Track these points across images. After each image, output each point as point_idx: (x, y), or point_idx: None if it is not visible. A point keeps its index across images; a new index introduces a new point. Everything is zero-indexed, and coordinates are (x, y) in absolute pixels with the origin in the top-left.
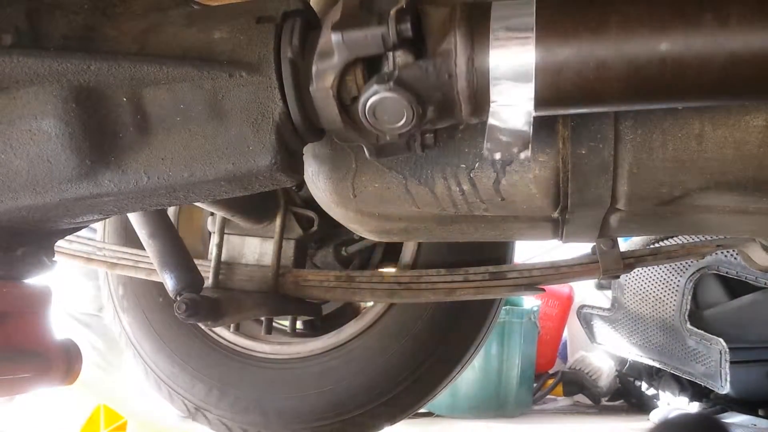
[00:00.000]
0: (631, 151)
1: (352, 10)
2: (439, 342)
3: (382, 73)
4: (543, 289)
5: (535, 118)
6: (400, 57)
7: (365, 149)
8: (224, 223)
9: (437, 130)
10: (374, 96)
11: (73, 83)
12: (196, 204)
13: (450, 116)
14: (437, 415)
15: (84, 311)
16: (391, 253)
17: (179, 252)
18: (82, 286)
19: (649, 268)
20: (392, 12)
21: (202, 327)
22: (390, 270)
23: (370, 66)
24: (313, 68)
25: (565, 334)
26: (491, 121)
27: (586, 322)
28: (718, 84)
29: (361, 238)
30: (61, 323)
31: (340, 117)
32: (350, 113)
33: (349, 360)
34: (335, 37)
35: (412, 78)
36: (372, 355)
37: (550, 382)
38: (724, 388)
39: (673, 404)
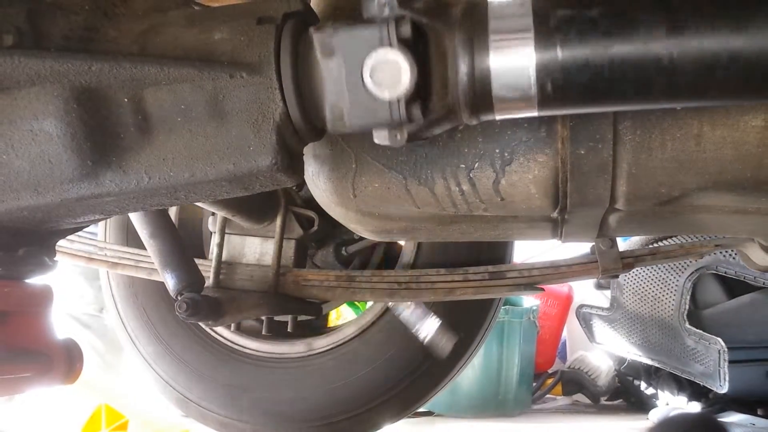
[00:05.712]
0: (630, 151)
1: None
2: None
3: None
4: (542, 289)
5: (534, 118)
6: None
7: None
8: (225, 222)
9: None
10: None
11: (75, 84)
12: (197, 204)
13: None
14: (437, 415)
15: (84, 312)
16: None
17: (180, 252)
18: (82, 286)
19: (647, 267)
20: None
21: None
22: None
23: None
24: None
25: (565, 333)
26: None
27: (585, 321)
28: (718, 84)
29: (362, 238)
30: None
31: None
32: None
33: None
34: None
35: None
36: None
37: (550, 381)
38: (723, 388)
39: (671, 403)
